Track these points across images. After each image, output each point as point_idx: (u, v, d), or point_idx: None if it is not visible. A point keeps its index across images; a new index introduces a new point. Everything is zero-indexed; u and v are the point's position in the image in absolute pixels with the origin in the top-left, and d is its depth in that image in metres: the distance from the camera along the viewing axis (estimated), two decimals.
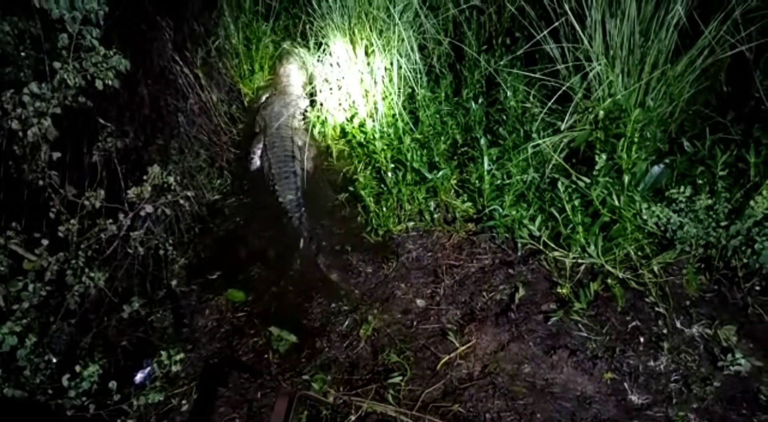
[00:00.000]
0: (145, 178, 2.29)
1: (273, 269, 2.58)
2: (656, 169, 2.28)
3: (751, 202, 2.00)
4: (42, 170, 2.06)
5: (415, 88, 2.93)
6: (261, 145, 3.06)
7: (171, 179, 2.36)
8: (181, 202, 2.43)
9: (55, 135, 2.03)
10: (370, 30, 2.90)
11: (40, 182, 2.06)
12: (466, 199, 2.62)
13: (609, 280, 2.17)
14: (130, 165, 2.48)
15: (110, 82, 2.10)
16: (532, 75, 2.65)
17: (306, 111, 3.26)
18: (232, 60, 3.44)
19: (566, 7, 2.40)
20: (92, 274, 2.00)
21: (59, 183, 2.09)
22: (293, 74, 3.35)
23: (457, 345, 2.11)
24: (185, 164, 2.75)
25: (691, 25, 2.49)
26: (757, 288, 2.10)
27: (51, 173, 2.07)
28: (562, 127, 2.41)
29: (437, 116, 2.86)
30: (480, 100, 2.81)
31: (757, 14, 2.71)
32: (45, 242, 1.94)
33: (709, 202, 2.07)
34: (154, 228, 2.47)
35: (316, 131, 3.16)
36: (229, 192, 2.94)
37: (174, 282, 2.55)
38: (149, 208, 2.28)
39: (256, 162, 3.04)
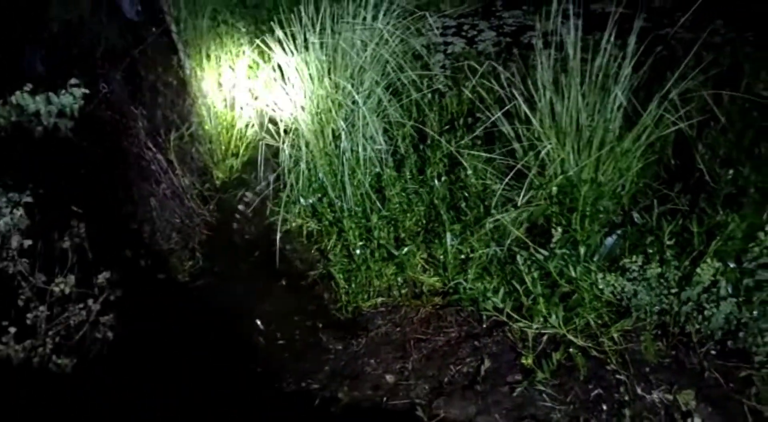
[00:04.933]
0: (115, 263, 2.33)
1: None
2: (610, 240, 2.39)
3: (698, 270, 2.10)
4: (12, 258, 2.10)
5: (381, 169, 3.07)
6: None
7: (142, 263, 2.41)
8: (153, 284, 2.47)
9: (27, 224, 2.10)
10: (336, 115, 3.06)
11: (10, 270, 2.10)
12: (432, 273, 2.70)
13: (571, 349, 2.22)
14: (102, 250, 2.53)
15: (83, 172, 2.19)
16: (489, 155, 2.80)
17: None
18: (206, 145, 3.57)
19: (515, 92, 2.58)
20: (59, 361, 2.01)
21: (29, 270, 2.13)
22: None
23: (426, 420, 2.13)
24: (157, 247, 2.81)
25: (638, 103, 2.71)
26: (713, 352, 2.18)
27: (21, 261, 2.11)
28: (519, 203, 2.53)
29: (403, 194, 2.98)
30: (443, 179, 2.95)
31: (695, 94, 2.95)
32: (12, 330, 1.96)
33: (660, 270, 2.17)
34: (125, 313, 2.49)
35: (288, 211, 3.26)
36: (200, 274, 2.99)
37: None
38: (119, 293, 2.31)
39: None
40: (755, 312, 2.05)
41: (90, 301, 2.18)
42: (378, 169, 3.11)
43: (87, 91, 2.32)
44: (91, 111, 2.47)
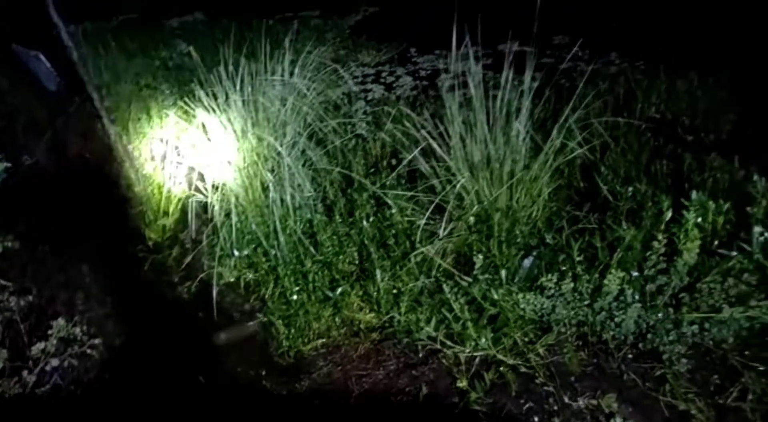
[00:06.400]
0: (50, 332, 2.33)
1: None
2: (527, 262, 2.57)
3: (605, 281, 2.29)
4: None
5: (312, 215, 3.18)
6: None
7: (77, 330, 2.42)
8: (89, 351, 2.47)
9: None
10: (262, 167, 3.17)
11: None
12: (368, 310, 2.80)
13: (502, 368, 2.36)
14: (34, 320, 2.52)
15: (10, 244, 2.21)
16: (410, 193, 2.96)
17: None
18: (136, 207, 3.60)
19: (432, 132, 2.77)
20: None
21: None
22: None
23: None
24: (92, 314, 2.80)
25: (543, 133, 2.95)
26: (630, 356, 2.36)
27: None
28: (441, 235, 2.69)
29: (335, 237, 3.09)
30: (371, 219, 3.08)
31: (594, 121, 3.23)
32: None
33: (573, 285, 2.35)
34: (61, 381, 2.47)
35: (224, 264, 3.30)
36: (136, 337, 2.98)
37: None
38: (55, 362, 2.31)
39: None
40: (660, 315, 2.25)
41: (25, 373, 2.17)
42: (309, 216, 3.22)
43: (9, 165, 2.35)
44: (16, 183, 2.49)
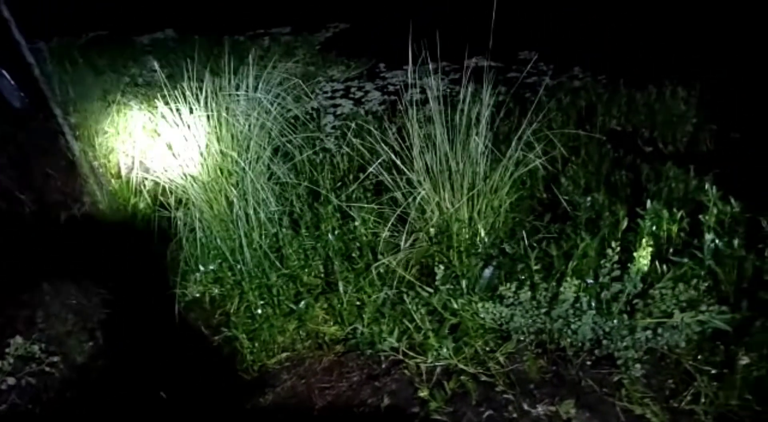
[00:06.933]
0: (7, 350, 2.30)
1: None
2: (487, 272, 2.60)
3: (561, 289, 2.33)
4: None
5: (278, 229, 3.19)
6: None
7: (35, 348, 2.39)
8: (47, 369, 2.44)
9: None
10: (227, 182, 3.18)
11: None
12: (332, 323, 2.81)
13: (462, 377, 2.38)
14: None
15: None
16: (373, 205, 2.99)
17: None
18: (102, 224, 3.58)
19: (389, 146, 2.81)
20: None
21: None
22: None
23: None
24: (52, 331, 2.77)
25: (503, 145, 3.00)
26: (588, 362, 2.39)
27: None
28: (402, 246, 2.72)
29: (300, 251, 3.10)
30: (336, 232, 3.10)
31: (555, 132, 3.30)
32: None
33: (531, 293, 2.39)
34: (19, 400, 2.43)
35: (189, 279, 3.29)
36: (100, 354, 2.95)
37: None
38: (11, 381, 2.28)
39: None
40: (615, 321, 2.29)
41: None
42: (275, 230, 3.23)
43: None
44: None
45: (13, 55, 3.54)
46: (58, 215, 3.27)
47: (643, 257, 2.30)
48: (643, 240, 2.37)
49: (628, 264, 2.35)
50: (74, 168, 3.60)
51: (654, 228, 2.58)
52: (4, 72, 3.79)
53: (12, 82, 3.82)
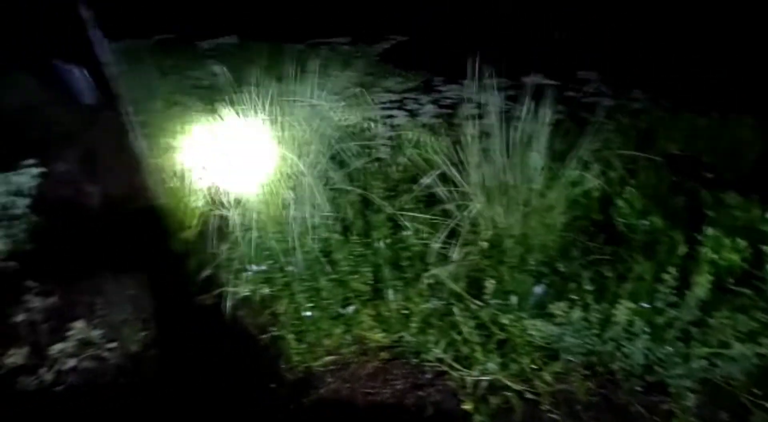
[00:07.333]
0: (69, 333, 2.41)
1: None
2: (538, 289, 2.59)
3: (615, 311, 2.30)
4: None
5: (330, 234, 3.24)
6: None
7: (95, 333, 2.49)
8: (105, 354, 2.54)
9: None
10: (284, 185, 3.25)
11: None
12: (378, 330, 2.83)
13: (507, 393, 2.36)
14: (55, 322, 2.60)
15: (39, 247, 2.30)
16: (426, 216, 3.01)
17: None
18: (160, 219, 3.71)
19: (441, 159, 2.83)
20: None
21: None
22: None
23: None
24: (111, 318, 2.88)
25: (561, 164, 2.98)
26: (638, 388, 2.35)
27: None
28: (454, 258, 2.73)
29: (350, 257, 3.14)
30: (387, 240, 3.13)
31: (612, 153, 3.25)
32: None
33: (582, 313, 2.36)
34: (76, 382, 2.54)
35: (241, 278, 3.37)
36: (152, 343, 3.05)
37: None
38: (72, 363, 2.38)
39: None
40: (669, 348, 2.25)
41: (43, 371, 2.24)
42: (326, 234, 3.28)
43: (45, 170, 2.46)
44: (49, 189, 2.60)
45: (90, 53, 3.72)
46: (121, 208, 3.41)
47: (702, 284, 2.25)
48: (703, 268, 2.32)
49: (686, 291, 2.30)
50: (139, 164, 3.75)
51: (714, 255, 2.52)
52: (81, 70, 3.97)
53: (87, 80, 4.00)
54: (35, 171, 2.43)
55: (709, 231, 2.60)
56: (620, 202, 3.17)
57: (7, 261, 2.34)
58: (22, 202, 2.31)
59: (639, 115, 4.40)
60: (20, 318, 2.40)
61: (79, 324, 2.49)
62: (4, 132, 3.00)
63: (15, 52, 3.48)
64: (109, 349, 2.56)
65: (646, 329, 2.28)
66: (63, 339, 2.40)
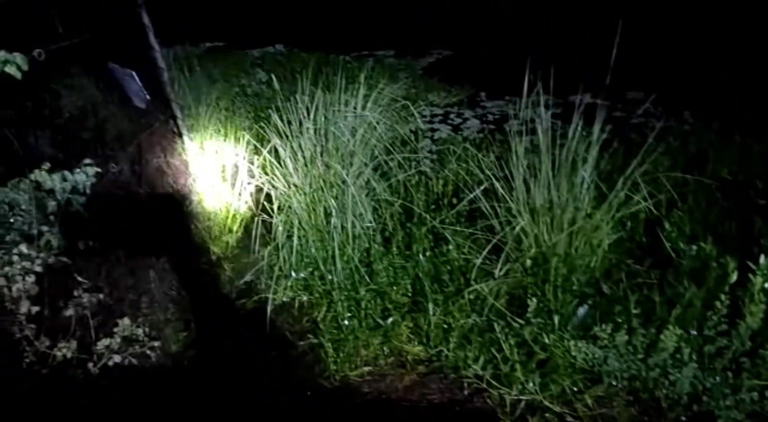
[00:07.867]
0: (115, 330, 2.47)
1: None
2: (582, 310, 2.55)
3: (662, 337, 2.24)
4: (20, 323, 2.24)
5: (370, 244, 3.25)
6: None
7: (140, 331, 2.54)
8: (148, 352, 2.59)
9: (36, 291, 2.25)
10: (328, 194, 3.28)
11: (17, 334, 2.23)
12: (417, 343, 2.82)
13: (547, 414, 2.33)
14: (102, 318, 2.67)
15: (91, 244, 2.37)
16: (469, 230, 3.00)
17: None
18: (204, 222, 3.78)
19: (489, 173, 2.82)
20: None
21: (35, 335, 2.26)
22: None
23: None
24: (154, 317, 2.94)
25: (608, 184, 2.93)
26: (683, 417, 2.28)
27: (28, 326, 2.25)
28: (496, 275, 2.70)
29: (390, 268, 3.15)
30: (428, 253, 3.13)
31: (661, 175, 3.19)
32: None
33: (627, 337, 2.31)
34: (120, 378, 2.59)
35: (281, 284, 3.40)
36: (193, 344, 3.10)
37: None
38: (117, 359, 2.43)
39: None
40: (717, 378, 2.18)
41: (90, 365, 2.29)
42: (367, 245, 3.29)
43: (99, 170, 2.54)
44: (101, 189, 2.68)
45: (144, 59, 3.82)
46: (168, 210, 3.48)
47: (755, 314, 2.18)
48: (755, 297, 2.26)
49: (737, 320, 2.23)
50: (187, 167, 3.83)
51: (767, 284, 2.44)
52: (134, 74, 4.08)
53: (140, 84, 4.11)
54: (91, 170, 2.51)
55: (763, 259, 2.52)
56: (668, 226, 3.10)
57: (60, 256, 2.41)
58: (79, 201, 2.38)
59: (689, 137, 4.31)
60: (70, 312, 2.47)
61: (125, 322, 2.54)
62: (64, 132, 3.10)
63: (76, 54, 3.60)
64: (152, 348, 2.61)
65: (694, 357, 2.22)
66: (109, 335, 2.45)
